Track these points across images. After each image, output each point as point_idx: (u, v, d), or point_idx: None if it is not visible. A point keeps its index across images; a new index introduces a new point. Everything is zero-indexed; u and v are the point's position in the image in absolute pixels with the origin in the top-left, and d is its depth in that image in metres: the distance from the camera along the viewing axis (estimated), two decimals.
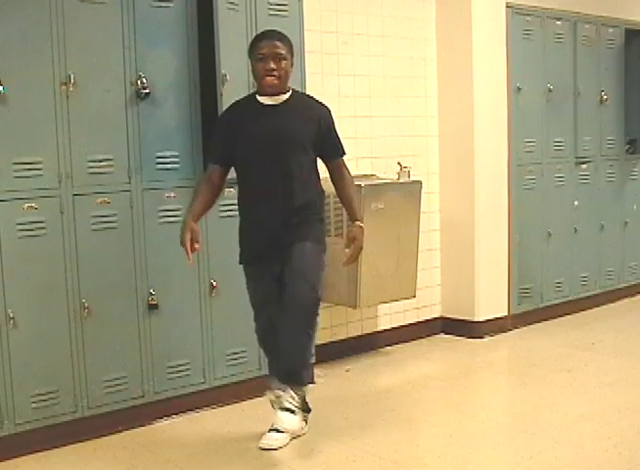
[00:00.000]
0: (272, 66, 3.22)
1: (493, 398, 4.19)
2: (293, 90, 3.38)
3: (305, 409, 3.48)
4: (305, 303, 3.31)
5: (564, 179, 5.67)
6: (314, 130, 3.32)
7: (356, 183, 4.26)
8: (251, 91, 3.49)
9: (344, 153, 3.46)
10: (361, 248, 3.41)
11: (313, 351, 3.55)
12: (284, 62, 3.25)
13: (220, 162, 3.39)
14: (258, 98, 3.34)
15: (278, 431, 3.36)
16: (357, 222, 3.42)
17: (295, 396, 3.38)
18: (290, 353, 3.36)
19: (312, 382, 3.52)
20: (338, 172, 3.44)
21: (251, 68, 3.35)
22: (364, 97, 4.79)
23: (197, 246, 3.32)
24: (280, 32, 3.35)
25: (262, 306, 3.43)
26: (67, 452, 3.41)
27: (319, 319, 3.45)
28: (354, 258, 3.44)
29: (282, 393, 3.38)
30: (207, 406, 3.89)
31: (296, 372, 3.38)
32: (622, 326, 5.47)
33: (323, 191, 3.49)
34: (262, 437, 3.38)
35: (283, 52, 3.24)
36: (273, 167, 3.29)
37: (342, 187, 3.45)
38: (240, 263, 3.46)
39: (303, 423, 3.46)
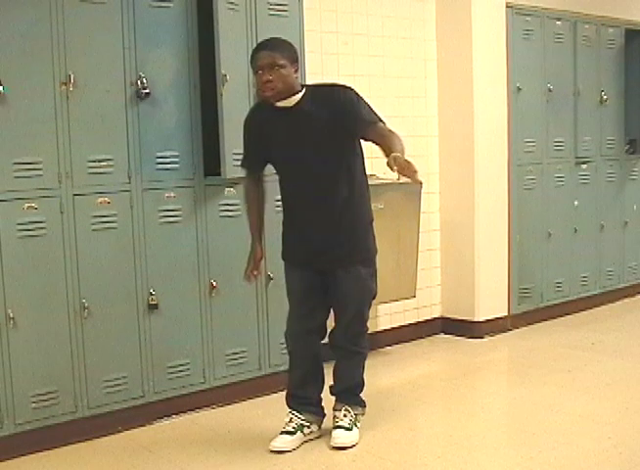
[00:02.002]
0: (267, 77, 3.11)
1: (493, 398, 4.19)
2: (306, 87, 3.27)
3: (320, 414, 3.51)
4: (356, 330, 3.40)
5: (564, 179, 5.67)
6: (331, 121, 3.16)
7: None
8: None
9: (381, 120, 3.21)
10: (409, 162, 2.93)
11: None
12: (282, 70, 3.12)
13: (251, 167, 3.40)
14: (264, 100, 3.28)
15: (289, 433, 3.37)
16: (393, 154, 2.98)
17: (347, 412, 3.43)
18: (342, 369, 3.45)
19: (363, 403, 3.53)
20: (376, 137, 3.15)
21: None
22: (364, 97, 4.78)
23: (256, 273, 3.41)
24: (278, 40, 3.25)
25: (298, 299, 3.40)
26: (67, 452, 3.41)
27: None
28: (412, 171, 2.92)
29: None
30: (207, 406, 3.89)
31: (346, 390, 3.46)
32: (622, 326, 5.47)
33: (367, 185, 3.41)
34: (273, 439, 3.37)
35: (278, 61, 3.11)
36: (302, 174, 3.24)
37: (382, 143, 3.13)
38: (282, 259, 3.45)
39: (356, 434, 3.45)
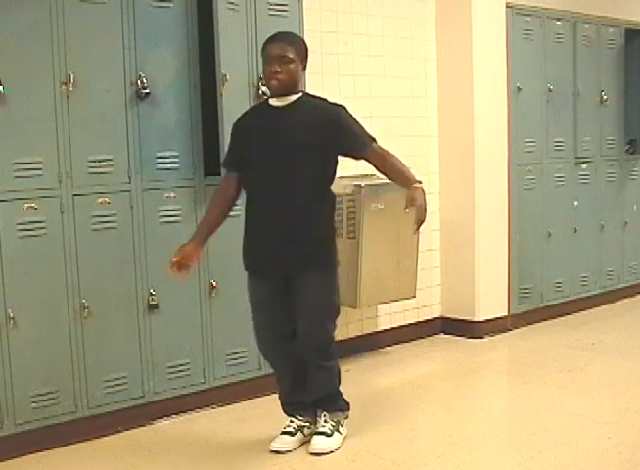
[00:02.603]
0: (276, 68, 3.15)
1: (493, 397, 4.19)
2: (305, 93, 3.31)
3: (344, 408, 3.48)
4: (315, 344, 3.30)
5: (564, 179, 5.67)
6: (320, 134, 3.16)
7: (356, 183, 4.28)
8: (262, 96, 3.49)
9: (374, 140, 3.24)
10: (425, 209, 3.12)
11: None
12: (290, 64, 3.16)
13: (234, 169, 3.32)
14: (270, 100, 3.29)
15: (289, 433, 3.35)
16: (414, 185, 3.12)
17: (327, 418, 3.37)
18: (313, 381, 3.37)
19: (345, 408, 3.45)
20: (376, 160, 3.23)
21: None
22: (364, 97, 4.79)
23: (182, 271, 3.23)
24: (292, 35, 3.32)
25: (258, 310, 3.33)
26: (67, 452, 3.41)
27: (335, 347, 3.43)
28: (419, 221, 3.15)
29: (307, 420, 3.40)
30: (207, 406, 3.89)
31: (320, 400, 3.38)
32: (622, 326, 5.47)
33: (334, 197, 3.35)
34: (273, 439, 3.36)
35: (289, 55, 3.15)
36: (274, 171, 3.18)
37: (384, 168, 3.24)
38: (245, 269, 3.36)
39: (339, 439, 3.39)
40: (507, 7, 5.16)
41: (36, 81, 3.31)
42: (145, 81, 3.57)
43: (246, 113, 3.39)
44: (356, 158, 3.32)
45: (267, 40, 3.25)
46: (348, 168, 4.14)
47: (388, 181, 4.57)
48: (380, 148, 3.25)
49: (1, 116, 3.23)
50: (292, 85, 3.20)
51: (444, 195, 5.22)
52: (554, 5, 5.48)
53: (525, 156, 5.39)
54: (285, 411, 3.44)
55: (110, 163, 3.53)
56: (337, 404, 3.40)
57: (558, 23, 5.51)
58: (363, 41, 4.79)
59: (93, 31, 3.44)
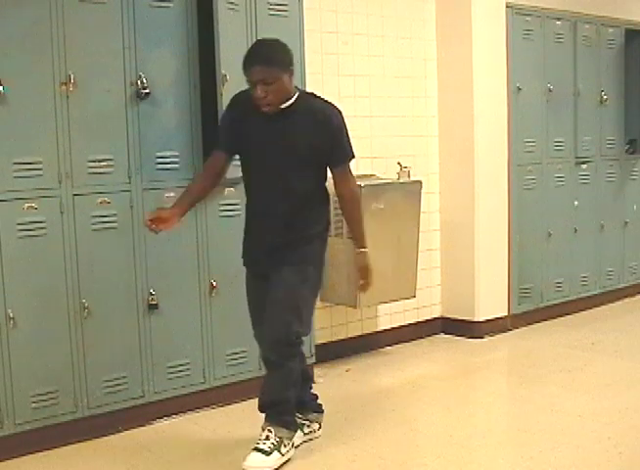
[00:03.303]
0: (260, 93, 3.00)
1: (493, 398, 4.19)
2: (299, 92, 3.18)
3: (318, 410, 3.48)
4: (276, 336, 3.13)
5: (564, 179, 5.67)
6: (318, 139, 3.11)
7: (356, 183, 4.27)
8: None
9: (353, 156, 3.25)
10: (370, 272, 3.33)
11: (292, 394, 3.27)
12: (274, 84, 2.99)
13: (224, 148, 3.25)
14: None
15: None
16: (360, 249, 3.30)
17: (270, 434, 3.17)
18: (267, 382, 3.26)
19: (292, 427, 3.26)
20: (340, 181, 3.22)
21: None
22: (364, 97, 4.79)
23: (159, 225, 3.11)
24: (271, 48, 3.09)
25: (254, 311, 3.32)
26: (67, 452, 3.41)
27: (302, 350, 3.31)
28: (367, 285, 3.37)
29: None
30: (207, 406, 3.89)
31: (269, 405, 3.22)
32: (622, 326, 5.47)
33: (328, 201, 3.31)
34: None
35: (268, 76, 2.97)
36: (271, 178, 3.16)
37: (344, 202, 3.26)
38: (243, 265, 3.37)
39: (287, 454, 3.22)
40: (507, 7, 5.16)
41: (36, 81, 3.31)
42: (145, 81, 3.57)
43: (240, 99, 3.21)
44: (330, 167, 3.23)
45: (245, 58, 3.06)
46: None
47: (389, 181, 4.63)
48: (349, 172, 3.25)
49: (1, 116, 3.23)
50: (284, 99, 3.08)
51: (444, 195, 5.22)
52: (554, 5, 5.48)
53: (525, 156, 5.39)
54: None
55: (110, 163, 3.53)
56: (283, 418, 3.21)
57: (558, 23, 5.51)
58: (363, 41, 4.79)
59: (93, 31, 3.44)
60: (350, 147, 3.24)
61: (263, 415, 3.25)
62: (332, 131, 3.15)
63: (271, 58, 3.03)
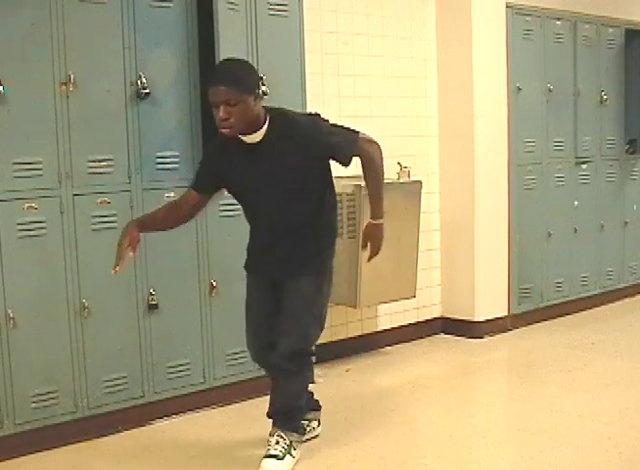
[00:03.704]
0: (222, 115, 2.84)
1: (493, 398, 4.19)
2: (272, 116, 2.98)
3: (316, 408, 3.45)
4: (293, 347, 3.12)
5: (564, 179, 5.67)
6: (302, 156, 2.96)
7: (356, 183, 4.28)
8: None
9: (357, 133, 3.06)
10: (378, 247, 3.15)
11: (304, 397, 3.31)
12: (237, 106, 2.83)
13: (199, 188, 3.11)
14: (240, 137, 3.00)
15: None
16: (374, 221, 3.13)
17: (280, 439, 3.17)
18: (280, 390, 3.22)
19: (301, 430, 3.29)
20: (362, 160, 3.07)
21: None
22: (364, 97, 4.79)
23: (132, 254, 3.01)
24: (235, 69, 2.95)
25: (255, 317, 3.25)
26: (67, 452, 3.41)
27: (313, 359, 3.28)
28: (374, 254, 3.17)
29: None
30: (207, 406, 3.89)
31: (282, 413, 3.22)
32: (622, 326, 5.47)
33: (335, 207, 3.26)
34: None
35: (231, 97, 2.82)
36: (271, 216, 3.09)
37: (362, 167, 3.09)
38: (247, 271, 3.30)
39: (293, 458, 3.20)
40: (507, 7, 5.16)
41: (36, 81, 3.31)
42: (145, 81, 3.57)
43: (221, 140, 3.05)
44: (345, 163, 3.10)
45: (209, 80, 2.94)
46: (348, 168, 4.12)
47: (389, 181, 4.61)
48: (366, 149, 3.07)
49: (1, 116, 3.23)
50: (248, 126, 2.92)
51: (444, 195, 5.22)
52: (554, 5, 5.48)
53: (525, 156, 5.39)
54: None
55: (110, 163, 3.53)
56: (294, 423, 3.22)
57: (558, 23, 5.51)
58: (363, 41, 4.79)
59: (93, 31, 3.44)
60: (347, 136, 3.05)
61: (270, 420, 3.23)
62: (322, 144, 3.00)
63: (231, 79, 2.86)
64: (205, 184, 3.13)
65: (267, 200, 3.06)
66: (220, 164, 3.08)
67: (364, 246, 3.18)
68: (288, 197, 3.04)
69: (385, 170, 3.13)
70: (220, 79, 2.87)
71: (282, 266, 3.15)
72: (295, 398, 3.23)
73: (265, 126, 2.97)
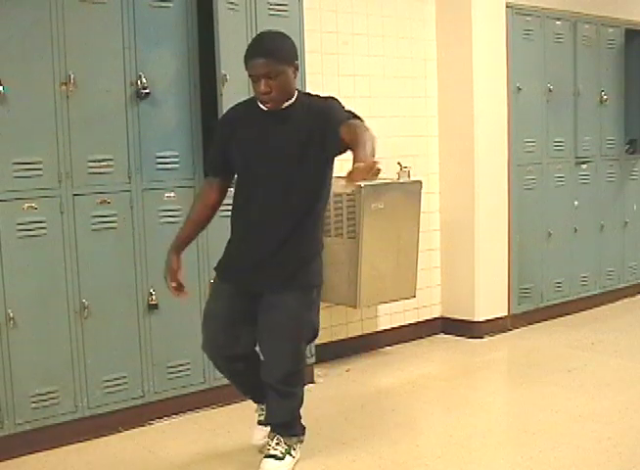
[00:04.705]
0: (264, 88, 2.80)
1: (493, 398, 4.19)
2: (299, 94, 2.96)
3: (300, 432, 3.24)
4: (285, 369, 3.01)
5: (564, 179, 5.67)
6: (309, 134, 2.86)
7: (356, 183, 4.27)
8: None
9: (358, 117, 2.87)
10: (368, 169, 2.46)
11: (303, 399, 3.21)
12: (278, 78, 2.79)
13: (216, 173, 3.09)
14: (260, 104, 2.94)
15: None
16: (350, 122, 2.76)
17: (280, 441, 3.13)
18: (275, 406, 3.13)
19: (301, 433, 3.21)
20: (348, 132, 2.74)
21: None
22: (364, 97, 4.79)
23: (184, 292, 3.06)
24: (274, 40, 2.90)
25: (218, 324, 3.08)
26: (67, 452, 3.41)
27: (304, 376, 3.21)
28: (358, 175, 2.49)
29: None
30: (207, 406, 3.89)
31: (280, 426, 3.15)
32: (622, 326, 5.47)
33: (324, 217, 3.15)
34: (253, 435, 3.29)
35: (272, 70, 2.78)
36: (263, 185, 2.94)
37: (350, 135, 2.73)
38: (218, 278, 3.14)
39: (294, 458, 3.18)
40: (507, 7, 5.16)
41: (36, 81, 3.31)
42: (145, 81, 3.57)
43: (231, 112, 3.09)
44: (341, 143, 2.77)
45: (247, 52, 2.86)
46: (348, 168, 4.13)
47: (389, 181, 4.62)
48: (355, 124, 2.79)
49: (1, 116, 3.23)
50: (287, 97, 2.89)
51: (444, 195, 5.22)
52: (554, 5, 5.48)
53: (525, 156, 5.39)
54: (254, 401, 3.29)
55: (110, 163, 3.53)
56: (293, 430, 3.16)
57: (558, 23, 5.51)
58: (363, 41, 4.79)
59: (93, 31, 3.44)
60: (349, 115, 2.87)
61: (269, 427, 3.19)
62: (323, 120, 2.84)
63: (272, 49, 2.81)
64: (221, 167, 3.07)
65: (269, 175, 2.92)
66: (228, 133, 3.00)
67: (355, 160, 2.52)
68: (284, 174, 2.90)
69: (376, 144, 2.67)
70: (260, 52, 2.80)
71: (261, 272, 2.98)
72: (293, 411, 3.16)
73: (292, 100, 2.92)
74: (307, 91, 3.20)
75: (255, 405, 3.36)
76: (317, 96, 3.03)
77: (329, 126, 2.82)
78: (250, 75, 2.85)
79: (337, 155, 2.92)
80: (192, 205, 3.24)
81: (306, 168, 2.90)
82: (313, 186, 2.96)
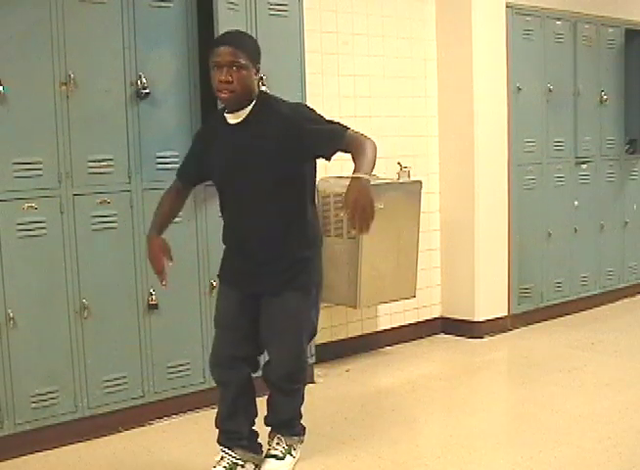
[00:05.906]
0: (227, 77, 2.73)
1: (493, 398, 4.19)
2: (259, 97, 2.87)
3: (257, 452, 3.17)
4: (290, 369, 3.03)
5: (564, 179, 5.67)
6: (283, 142, 2.78)
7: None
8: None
9: (346, 128, 2.81)
10: (364, 207, 2.55)
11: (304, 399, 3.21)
12: (243, 71, 2.74)
13: (182, 178, 3.11)
14: (225, 115, 2.90)
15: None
16: (355, 174, 2.62)
17: (280, 441, 3.14)
18: (276, 404, 3.14)
19: (302, 433, 3.21)
20: (352, 151, 2.72)
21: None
22: (364, 97, 4.79)
23: (170, 263, 3.01)
24: (242, 35, 2.92)
25: (222, 327, 3.07)
26: (67, 452, 3.41)
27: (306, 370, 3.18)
28: (359, 221, 2.56)
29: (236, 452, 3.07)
30: (207, 406, 3.88)
31: (280, 424, 3.16)
32: (622, 326, 5.47)
33: (317, 218, 3.11)
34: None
35: (238, 61, 2.73)
36: (243, 197, 2.90)
37: (357, 151, 2.72)
38: (221, 283, 3.13)
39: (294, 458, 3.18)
40: (507, 7, 5.16)
41: (36, 81, 3.31)
42: (145, 81, 3.57)
43: (207, 123, 3.13)
44: (325, 155, 2.84)
45: (215, 42, 2.88)
46: (348, 168, 4.13)
47: (389, 181, 4.62)
48: (353, 136, 2.78)
49: (1, 116, 3.23)
50: (245, 95, 2.80)
51: (444, 195, 5.22)
52: (554, 5, 5.48)
53: (525, 156, 5.39)
54: (219, 441, 3.09)
55: (110, 163, 3.53)
56: (294, 429, 3.17)
57: (558, 23, 5.51)
58: (363, 41, 4.79)
59: (93, 31, 3.44)
60: (332, 128, 2.83)
61: (269, 427, 3.19)
62: (297, 127, 2.78)
63: (239, 41, 2.81)
64: (186, 173, 3.09)
65: (242, 187, 2.88)
66: (202, 144, 3.01)
67: (350, 217, 2.56)
68: (262, 186, 2.85)
69: (376, 160, 2.73)
70: (229, 40, 2.80)
71: (262, 279, 2.96)
72: (295, 409, 3.17)
73: (251, 106, 2.85)
74: (270, 94, 3.05)
75: (219, 453, 3.08)
76: (284, 102, 2.93)
77: (304, 134, 2.77)
78: (213, 63, 2.78)
79: (323, 158, 2.90)
80: (157, 208, 3.14)
81: (281, 174, 2.84)
82: (292, 189, 2.90)
